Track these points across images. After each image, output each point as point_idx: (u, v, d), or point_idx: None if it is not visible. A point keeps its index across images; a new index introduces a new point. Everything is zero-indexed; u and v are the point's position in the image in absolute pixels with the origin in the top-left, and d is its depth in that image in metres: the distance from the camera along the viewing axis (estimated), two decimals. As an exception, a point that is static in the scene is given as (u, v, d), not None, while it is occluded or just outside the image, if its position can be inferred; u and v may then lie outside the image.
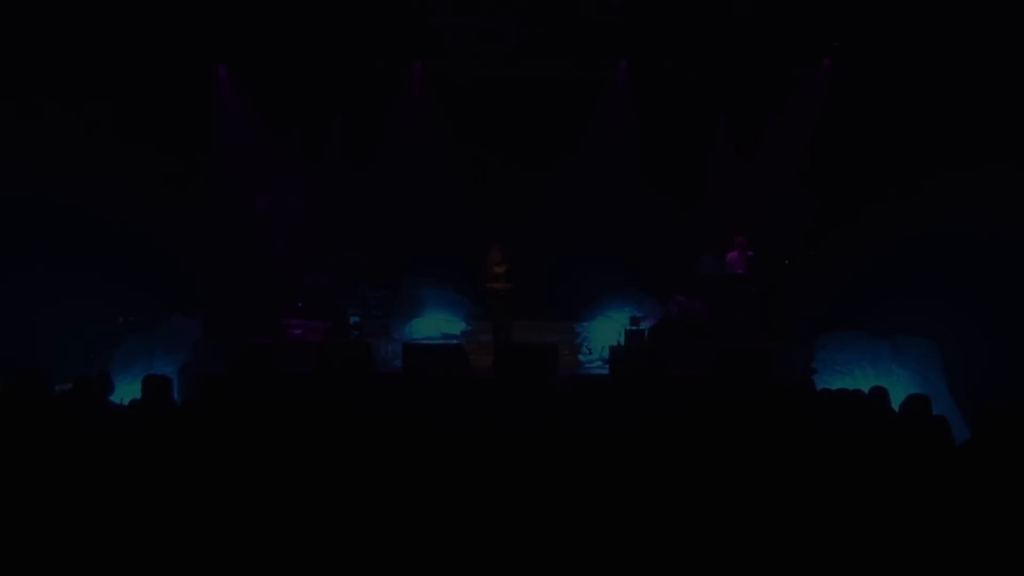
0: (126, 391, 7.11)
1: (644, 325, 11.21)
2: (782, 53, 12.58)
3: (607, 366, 10.08)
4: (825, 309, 10.88)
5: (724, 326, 11.25)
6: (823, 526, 3.53)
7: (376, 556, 3.49)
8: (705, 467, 4.19)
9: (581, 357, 11.26)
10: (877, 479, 3.97)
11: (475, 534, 3.51)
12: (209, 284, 12.16)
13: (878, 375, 9.33)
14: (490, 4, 11.79)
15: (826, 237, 12.63)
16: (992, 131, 10.50)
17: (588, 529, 3.56)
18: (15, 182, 10.72)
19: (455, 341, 11.50)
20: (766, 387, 8.32)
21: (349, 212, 13.40)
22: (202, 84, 12.72)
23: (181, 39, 11.58)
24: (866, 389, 6.53)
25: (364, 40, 12.51)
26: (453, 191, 13.37)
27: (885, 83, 12.02)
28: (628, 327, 11.11)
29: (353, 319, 11.64)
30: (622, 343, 10.76)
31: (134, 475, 3.99)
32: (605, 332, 11.63)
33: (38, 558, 3.42)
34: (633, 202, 13.08)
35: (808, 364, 9.76)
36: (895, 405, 6.05)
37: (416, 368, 9.74)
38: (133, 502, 3.71)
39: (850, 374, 9.51)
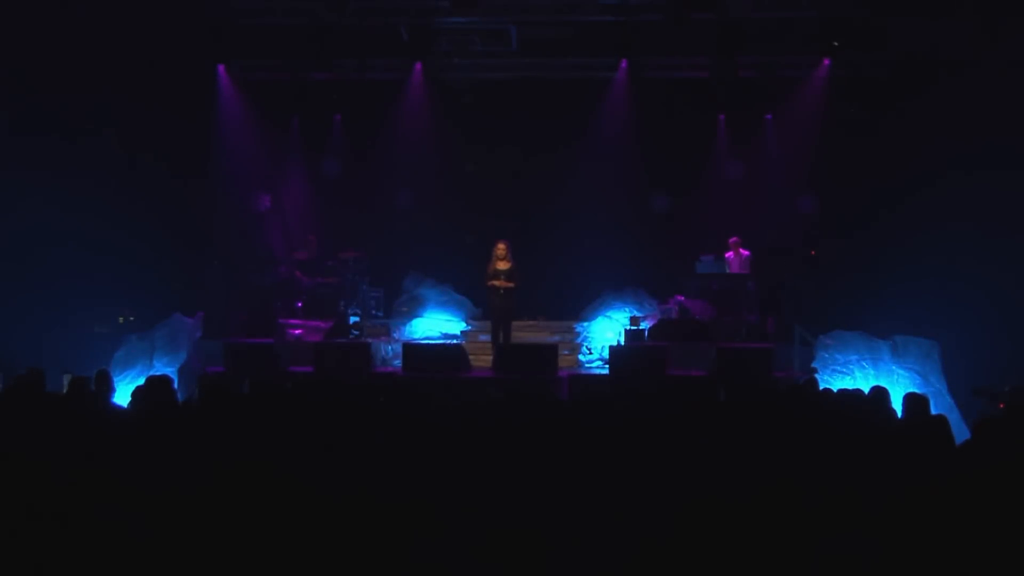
0: (126, 391, 7.11)
1: (644, 325, 11.20)
2: (782, 53, 12.59)
3: (607, 366, 10.09)
4: (825, 309, 10.89)
5: (724, 326, 11.27)
6: (824, 526, 3.53)
7: (375, 556, 3.49)
8: (706, 467, 4.19)
9: (581, 357, 11.25)
10: (877, 479, 3.97)
11: (474, 534, 3.51)
12: (209, 284, 12.18)
13: (878, 375, 9.32)
14: (490, 5, 11.77)
15: (826, 237, 12.66)
16: (992, 132, 10.50)
17: (588, 529, 3.56)
18: (14, 183, 10.75)
19: (455, 341, 11.49)
20: (766, 387, 8.33)
21: (349, 212, 13.42)
22: (202, 84, 12.73)
23: (181, 40, 11.59)
24: (866, 389, 6.53)
25: (364, 40, 12.52)
26: (452, 191, 13.38)
27: (885, 83, 12.03)
28: (628, 327, 11.10)
29: (353, 319, 11.64)
30: (622, 343, 10.76)
31: (134, 475, 3.99)
32: (605, 332, 11.63)
33: (38, 558, 3.42)
34: (633, 202, 13.09)
35: (808, 364, 9.76)
36: (895, 405, 6.06)
37: (416, 368, 9.75)
38: (134, 502, 3.71)
39: (850, 374, 9.49)
